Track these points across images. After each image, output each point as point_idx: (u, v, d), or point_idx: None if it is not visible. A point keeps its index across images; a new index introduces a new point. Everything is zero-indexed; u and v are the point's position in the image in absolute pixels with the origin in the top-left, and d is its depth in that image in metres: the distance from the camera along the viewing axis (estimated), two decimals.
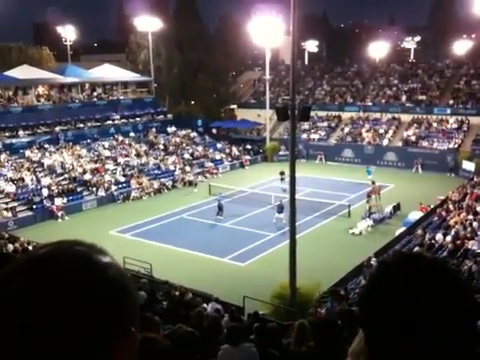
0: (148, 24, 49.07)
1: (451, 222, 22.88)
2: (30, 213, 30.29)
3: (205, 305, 13.11)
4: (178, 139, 45.98)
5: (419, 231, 22.58)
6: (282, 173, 33.90)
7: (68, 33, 60.20)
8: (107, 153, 39.61)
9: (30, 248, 19.63)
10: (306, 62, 69.53)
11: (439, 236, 21.27)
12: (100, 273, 0.92)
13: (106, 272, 0.92)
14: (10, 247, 19.44)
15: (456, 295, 1.02)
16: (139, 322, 0.98)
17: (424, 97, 47.95)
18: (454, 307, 1.00)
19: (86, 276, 0.90)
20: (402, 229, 24.78)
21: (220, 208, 29.01)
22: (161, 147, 43.52)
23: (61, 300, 0.86)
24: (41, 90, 42.42)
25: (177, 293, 13.90)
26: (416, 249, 20.29)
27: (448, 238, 20.65)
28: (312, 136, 47.92)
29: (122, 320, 0.93)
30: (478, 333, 1.04)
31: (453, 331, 0.98)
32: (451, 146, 41.59)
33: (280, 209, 26.99)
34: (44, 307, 0.85)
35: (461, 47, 65.56)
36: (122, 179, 36.08)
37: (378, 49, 64.41)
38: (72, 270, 0.90)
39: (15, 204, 30.55)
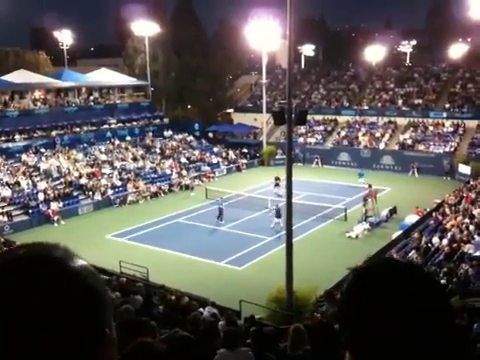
0: (145, 29, 49.17)
1: (447, 225, 22.93)
2: (26, 217, 30.21)
3: (201, 309, 13.09)
4: (175, 143, 45.98)
5: (415, 234, 22.61)
6: (277, 178, 33.87)
7: (65, 38, 60.27)
8: (103, 157, 39.56)
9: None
10: (303, 66, 69.70)
11: (435, 239, 21.32)
12: (72, 277, 0.93)
13: (78, 276, 0.94)
14: None
15: (435, 297, 1.03)
16: (112, 324, 1.00)
17: (420, 101, 48.10)
18: (436, 309, 1.01)
19: (58, 281, 0.91)
20: (398, 232, 24.79)
21: (220, 212, 29.02)
22: (158, 151, 43.51)
23: (39, 302, 0.88)
24: (38, 94, 42.39)
25: (173, 297, 13.87)
26: (412, 252, 20.35)
27: (444, 241, 20.69)
28: (309, 140, 47.98)
29: (95, 323, 0.94)
30: (467, 337, 1.04)
31: (436, 333, 0.99)
32: (447, 150, 41.71)
33: (278, 213, 26.95)
34: (22, 309, 0.87)
35: (457, 51, 65.83)
36: (119, 183, 36.02)
37: (374, 53, 64.65)
38: (49, 272, 0.92)
39: (11, 208, 30.46)
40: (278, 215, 26.87)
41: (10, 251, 0.98)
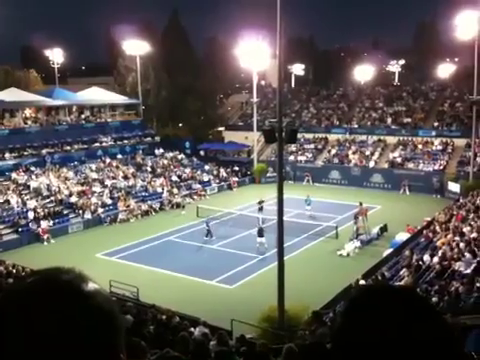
0: (136, 48, 49.42)
1: (438, 243, 22.98)
2: (16, 236, 29.90)
3: (192, 329, 12.96)
4: (166, 161, 45.95)
5: (406, 252, 22.64)
6: (261, 202, 33.68)
7: (56, 56, 60.34)
8: (94, 175, 39.39)
9: (14, 272, 19.35)
10: (293, 85, 70.33)
11: (426, 257, 21.33)
12: (87, 302, 0.92)
13: (93, 300, 0.93)
14: None
15: (440, 328, 0.97)
16: (125, 348, 0.99)
17: (409, 119, 48.58)
18: (442, 340, 0.95)
19: (73, 306, 0.90)
20: (389, 250, 24.84)
21: (208, 231, 28.94)
22: (149, 169, 43.44)
23: (50, 332, 0.86)
24: (28, 112, 42.30)
25: (164, 317, 13.74)
26: (403, 270, 20.35)
27: (435, 259, 20.72)
28: (299, 158, 48.20)
29: (110, 347, 0.93)
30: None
31: None
32: (436, 168, 42.04)
33: (260, 233, 26.87)
34: (32, 339, 0.86)
35: (445, 70, 66.78)
36: (109, 201, 35.84)
37: (363, 72, 65.48)
38: (59, 301, 0.90)
39: (0, 227, 30.17)
40: (260, 234, 26.78)
41: (23, 277, 0.97)
